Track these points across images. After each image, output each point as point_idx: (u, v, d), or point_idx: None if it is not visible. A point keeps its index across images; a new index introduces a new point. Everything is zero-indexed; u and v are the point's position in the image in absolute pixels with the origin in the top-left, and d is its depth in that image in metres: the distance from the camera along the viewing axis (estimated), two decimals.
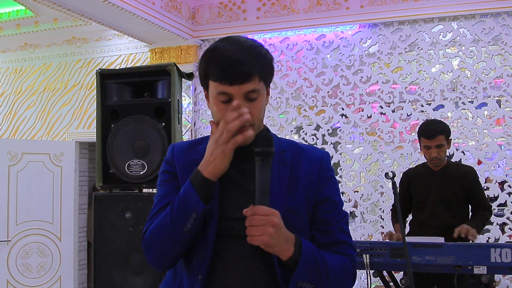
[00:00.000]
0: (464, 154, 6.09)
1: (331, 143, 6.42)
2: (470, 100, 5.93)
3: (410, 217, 4.54)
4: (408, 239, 3.57)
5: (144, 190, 4.23)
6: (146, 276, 3.95)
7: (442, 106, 6.05)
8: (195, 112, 6.97)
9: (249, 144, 1.66)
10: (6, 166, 6.62)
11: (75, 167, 7.06)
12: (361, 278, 5.64)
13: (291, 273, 1.63)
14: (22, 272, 6.68)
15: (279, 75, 6.62)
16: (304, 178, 1.76)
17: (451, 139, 4.28)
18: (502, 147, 5.95)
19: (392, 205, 4.72)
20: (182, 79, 4.33)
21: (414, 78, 6.15)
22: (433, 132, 4.11)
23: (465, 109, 5.97)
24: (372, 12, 6.17)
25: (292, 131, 6.77)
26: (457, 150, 6.02)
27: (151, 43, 7.02)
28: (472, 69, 5.93)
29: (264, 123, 1.84)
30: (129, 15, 5.81)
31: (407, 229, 4.45)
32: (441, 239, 3.71)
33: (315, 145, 6.25)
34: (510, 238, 5.69)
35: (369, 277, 3.63)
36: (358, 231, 6.25)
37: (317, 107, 6.48)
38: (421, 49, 6.10)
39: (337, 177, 6.15)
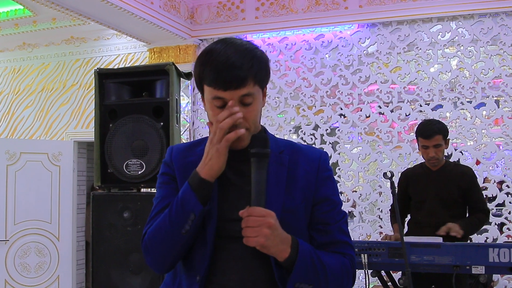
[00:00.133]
0: (462, 154, 6.08)
1: (330, 143, 6.43)
2: (469, 100, 5.93)
3: (409, 217, 4.54)
4: (407, 239, 3.56)
5: (143, 190, 4.22)
6: (144, 276, 3.95)
7: (440, 106, 6.06)
8: (193, 112, 6.96)
9: (246, 146, 1.66)
10: (4, 166, 6.61)
11: (74, 167, 7.06)
12: (359, 278, 5.63)
13: (288, 274, 1.62)
14: (20, 272, 6.67)
15: (278, 75, 6.62)
16: (302, 178, 1.75)
17: (449, 139, 4.28)
18: (501, 147, 5.96)
19: (390, 205, 4.72)
20: (181, 78, 4.33)
21: (413, 78, 6.15)
22: (431, 132, 4.11)
23: (463, 109, 5.97)
24: (370, 12, 6.17)
25: (290, 131, 6.77)
26: (455, 150, 6.02)
27: (149, 43, 7.02)
28: (470, 69, 5.94)
29: (263, 123, 1.84)
30: (128, 15, 5.81)
31: (406, 229, 4.45)
32: (439, 239, 3.71)
33: (313, 145, 6.25)
34: (508, 238, 5.70)
35: (367, 277, 3.63)
36: (357, 231, 6.25)
37: (315, 107, 6.49)
38: (420, 49, 6.10)
39: (336, 177, 6.16)
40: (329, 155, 5.66)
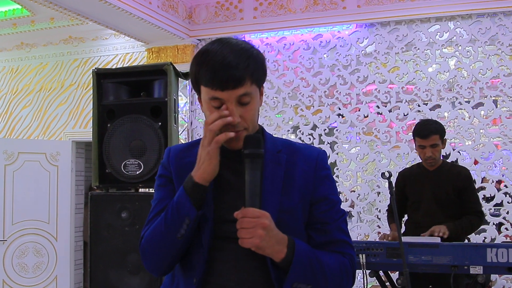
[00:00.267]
0: (460, 154, 6.09)
1: (328, 143, 6.42)
2: (467, 100, 5.94)
3: (406, 217, 4.54)
4: (404, 239, 3.56)
5: (141, 190, 4.21)
6: (142, 276, 3.94)
7: (438, 106, 6.05)
8: (191, 112, 6.96)
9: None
10: (2, 166, 6.60)
11: (72, 167, 7.05)
12: (357, 278, 5.62)
13: (285, 274, 1.61)
14: (18, 272, 6.66)
15: (276, 75, 6.61)
16: (300, 178, 1.74)
17: (446, 139, 4.28)
18: (499, 147, 5.96)
19: (388, 206, 4.72)
20: (179, 78, 4.33)
21: (411, 78, 6.15)
22: (427, 132, 4.11)
23: (461, 109, 5.97)
24: (368, 12, 6.17)
25: (288, 130, 6.77)
26: (453, 150, 6.02)
27: (147, 43, 7.01)
28: (468, 69, 5.94)
29: (261, 122, 1.84)
30: (126, 15, 5.81)
31: (403, 229, 4.45)
32: (437, 239, 3.72)
33: (311, 145, 6.24)
34: (506, 238, 5.70)
35: (365, 277, 3.62)
36: (355, 231, 6.24)
37: (313, 106, 6.48)
38: (418, 49, 6.10)
39: (334, 177, 6.13)
40: (327, 155, 5.66)
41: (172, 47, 6.93)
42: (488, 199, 5.83)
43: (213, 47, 1.64)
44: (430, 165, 4.24)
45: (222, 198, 1.70)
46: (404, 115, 6.18)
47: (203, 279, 1.67)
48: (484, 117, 5.98)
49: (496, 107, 5.89)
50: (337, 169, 6.38)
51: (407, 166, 5.58)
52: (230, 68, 1.58)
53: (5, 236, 6.56)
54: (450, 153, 5.95)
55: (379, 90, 6.22)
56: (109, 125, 4.13)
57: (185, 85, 6.79)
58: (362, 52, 6.33)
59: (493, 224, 5.79)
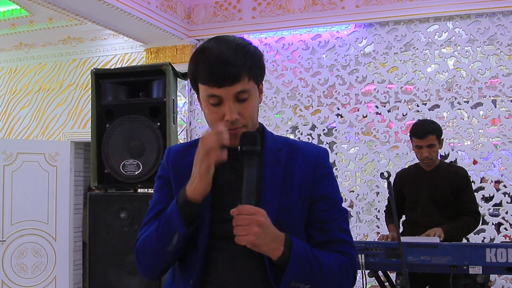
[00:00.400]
0: (459, 154, 6.08)
1: (327, 143, 6.42)
2: (466, 100, 5.93)
3: (403, 217, 4.54)
4: (404, 239, 3.56)
5: (139, 190, 4.21)
6: (141, 277, 3.94)
7: (437, 106, 6.05)
8: (190, 112, 6.96)
9: None
10: (1, 166, 6.60)
11: (70, 167, 7.05)
12: (356, 278, 5.63)
13: (283, 273, 1.59)
14: (17, 272, 6.66)
15: (275, 75, 6.61)
16: (299, 176, 1.72)
17: (443, 139, 4.28)
18: (498, 147, 5.96)
19: (385, 206, 4.72)
20: (178, 78, 4.32)
21: (410, 78, 6.15)
22: (424, 132, 4.11)
23: (460, 109, 5.97)
24: (367, 12, 6.18)
25: (287, 130, 6.77)
26: (452, 150, 6.02)
27: (146, 43, 7.01)
28: (467, 69, 5.94)
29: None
30: (125, 15, 5.80)
31: (400, 229, 4.45)
32: (436, 239, 3.71)
33: None
34: (505, 238, 5.70)
35: (364, 277, 3.62)
36: (354, 231, 6.24)
37: (312, 107, 6.49)
38: (417, 49, 6.11)
39: None
40: None
41: (171, 47, 6.93)
42: (487, 199, 5.83)
43: (209, 44, 1.64)
44: (427, 165, 4.24)
45: (221, 197, 1.69)
46: (403, 115, 6.18)
47: (202, 279, 1.67)
48: (483, 117, 5.98)
49: (495, 107, 5.90)
50: (336, 169, 6.37)
51: (406, 166, 5.57)
52: (227, 64, 1.57)
53: (4, 236, 6.56)
54: (449, 153, 5.94)
55: (378, 90, 6.22)
56: (107, 125, 4.12)
57: (184, 85, 6.79)
58: (361, 52, 6.33)
59: (492, 224, 5.79)
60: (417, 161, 4.40)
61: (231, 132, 1.62)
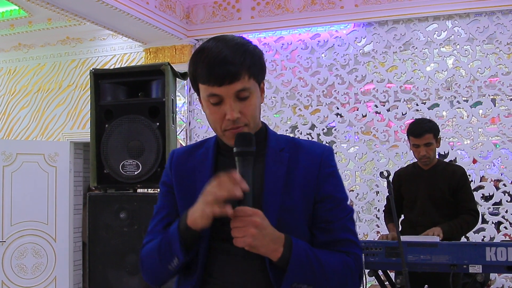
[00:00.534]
0: (459, 153, 6.08)
1: (326, 143, 6.41)
2: (465, 99, 5.93)
3: (402, 217, 4.54)
4: (403, 238, 3.55)
5: (139, 190, 4.21)
6: (141, 277, 3.91)
7: (437, 105, 6.05)
8: (190, 112, 6.96)
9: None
10: (0, 167, 6.60)
11: (70, 168, 7.05)
12: (362, 278, 5.64)
13: (284, 274, 1.57)
14: (17, 273, 6.66)
15: (274, 75, 6.62)
16: (302, 176, 1.69)
17: (440, 138, 4.27)
18: (497, 146, 5.96)
19: (384, 206, 4.72)
20: (177, 78, 4.32)
21: (409, 77, 6.15)
22: (421, 131, 4.11)
23: (460, 108, 5.97)
24: (366, 11, 6.18)
25: (287, 130, 6.76)
26: (452, 149, 6.02)
27: (145, 43, 7.01)
28: (467, 68, 5.94)
29: None
30: (123, 15, 5.80)
31: (399, 229, 4.44)
32: (436, 238, 3.71)
33: None
34: (505, 237, 5.70)
35: (364, 276, 3.62)
36: None
37: (312, 106, 6.49)
38: (416, 48, 6.11)
39: None
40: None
41: (170, 47, 6.93)
42: (487, 198, 5.82)
43: (208, 44, 1.62)
44: (424, 164, 4.24)
45: None
46: (403, 114, 6.18)
47: (203, 280, 1.66)
48: (483, 116, 5.98)
49: (495, 106, 5.90)
50: None
51: (406, 165, 5.58)
52: (226, 63, 1.56)
53: (4, 237, 6.55)
54: (448, 152, 5.94)
55: (377, 90, 6.22)
56: (107, 125, 4.12)
57: (183, 85, 6.79)
58: (360, 51, 6.33)
59: (492, 223, 5.79)
60: (415, 160, 4.40)
61: (232, 132, 1.62)
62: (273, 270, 1.61)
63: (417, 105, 6.09)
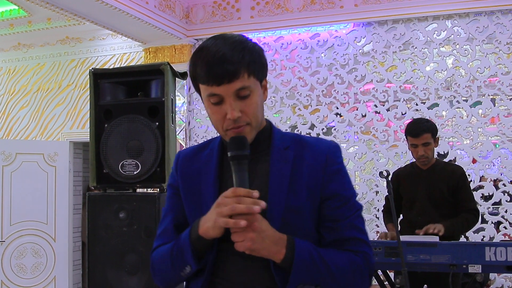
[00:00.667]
0: (458, 153, 6.08)
1: None
2: (465, 98, 5.93)
3: (401, 217, 4.53)
4: (403, 238, 3.55)
5: (138, 190, 4.20)
6: (140, 277, 3.93)
7: (436, 104, 6.05)
8: (189, 112, 6.96)
9: (251, 143, 1.62)
10: (0, 167, 6.59)
11: (69, 167, 7.04)
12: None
13: (289, 275, 1.55)
14: (16, 273, 6.65)
15: (274, 74, 6.62)
16: (308, 174, 1.66)
17: (438, 137, 4.26)
18: (497, 146, 5.96)
19: (383, 206, 4.72)
20: (176, 78, 4.31)
21: (409, 76, 6.16)
22: (419, 131, 4.11)
23: (459, 107, 5.97)
24: (366, 11, 6.18)
25: (286, 130, 6.75)
26: (451, 149, 6.02)
27: (145, 43, 7.00)
28: (466, 67, 5.94)
29: None
30: (123, 15, 5.80)
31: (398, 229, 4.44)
32: (435, 238, 3.71)
33: None
34: (504, 237, 5.70)
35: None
36: None
37: (311, 106, 6.49)
38: (415, 47, 6.11)
39: None
40: None
41: (169, 47, 6.93)
42: (487, 198, 5.82)
43: (207, 43, 1.60)
44: (423, 164, 4.23)
45: None
46: (402, 114, 6.18)
47: (211, 280, 1.65)
48: (482, 115, 5.98)
49: (494, 105, 5.90)
50: None
51: (406, 164, 5.58)
52: (224, 61, 1.54)
53: (3, 237, 6.55)
54: (448, 152, 5.94)
55: (376, 89, 6.22)
56: (106, 125, 4.11)
57: (182, 85, 6.79)
58: (360, 51, 6.34)
59: (492, 222, 5.79)
60: (414, 160, 4.39)
61: (234, 131, 1.60)
62: (277, 272, 1.58)
63: (416, 104, 6.09)
